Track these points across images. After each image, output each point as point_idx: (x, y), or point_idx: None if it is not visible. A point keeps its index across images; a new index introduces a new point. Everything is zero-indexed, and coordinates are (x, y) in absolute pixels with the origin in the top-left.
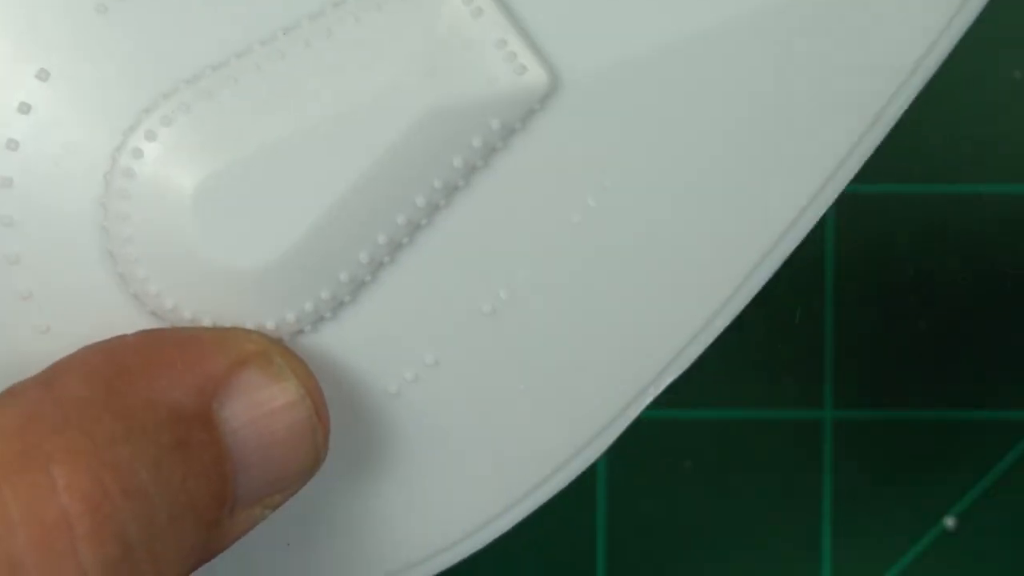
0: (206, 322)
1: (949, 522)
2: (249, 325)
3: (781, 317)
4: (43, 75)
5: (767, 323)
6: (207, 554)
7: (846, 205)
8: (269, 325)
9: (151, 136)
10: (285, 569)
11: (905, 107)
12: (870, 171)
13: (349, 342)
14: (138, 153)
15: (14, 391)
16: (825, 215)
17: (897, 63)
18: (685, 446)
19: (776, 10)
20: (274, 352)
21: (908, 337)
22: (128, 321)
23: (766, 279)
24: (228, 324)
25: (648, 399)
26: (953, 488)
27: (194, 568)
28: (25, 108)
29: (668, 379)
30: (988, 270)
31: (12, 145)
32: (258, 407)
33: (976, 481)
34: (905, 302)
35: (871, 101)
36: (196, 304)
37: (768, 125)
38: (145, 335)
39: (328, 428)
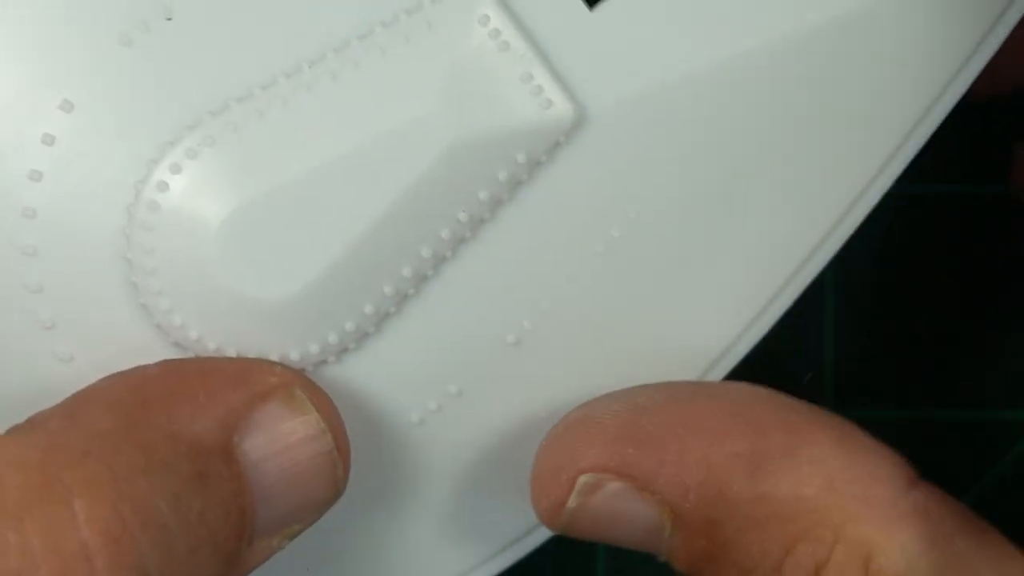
0: (230, 353)
1: None
2: (273, 356)
3: (780, 318)
4: (67, 106)
5: None
6: None
7: None
8: (293, 356)
9: (176, 169)
10: None
11: (932, 131)
12: None
13: (373, 372)
14: (163, 186)
15: (36, 421)
16: None
17: (921, 91)
18: None
19: (798, 41)
20: (296, 385)
21: (908, 337)
22: (151, 351)
23: (787, 307)
24: (252, 355)
25: None
26: (953, 488)
27: None
28: (49, 139)
29: None
30: (988, 270)
31: (36, 176)
32: (279, 440)
33: (976, 481)
34: (905, 302)
35: (894, 132)
36: (220, 335)
37: (790, 154)
38: (167, 366)
39: (348, 461)
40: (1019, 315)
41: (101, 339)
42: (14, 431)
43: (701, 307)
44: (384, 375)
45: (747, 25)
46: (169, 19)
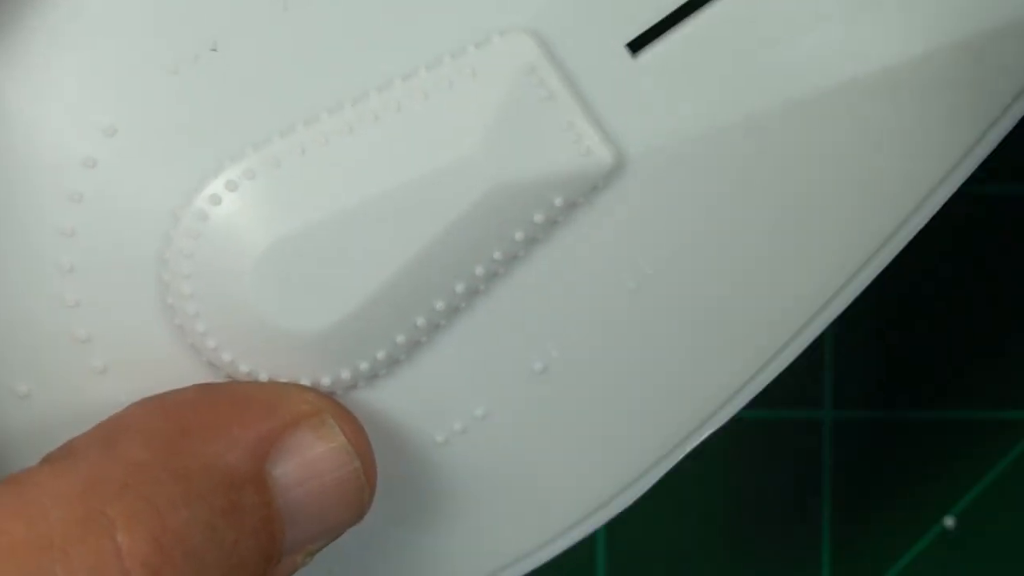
0: (263, 377)
1: (949, 522)
2: (305, 381)
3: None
4: (110, 131)
5: None
6: None
7: None
8: (325, 382)
9: (216, 200)
10: None
11: (949, 196)
12: None
13: (401, 396)
14: (202, 215)
15: (74, 450)
16: None
17: (941, 156)
18: None
19: (840, 100)
20: (327, 411)
21: (907, 337)
22: (184, 369)
23: (806, 345)
24: (284, 379)
25: (687, 448)
26: (953, 488)
27: None
28: (90, 162)
29: (708, 431)
30: (987, 270)
31: (76, 197)
32: (309, 467)
33: (976, 481)
34: (904, 302)
35: (918, 187)
36: (254, 360)
37: (816, 209)
38: (201, 392)
39: (375, 484)
40: (1019, 314)
41: (135, 356)
42: (52, 462)
43: (724, 342)
44: (412, 398)
45: (787, 81)
46: (214, 50)
